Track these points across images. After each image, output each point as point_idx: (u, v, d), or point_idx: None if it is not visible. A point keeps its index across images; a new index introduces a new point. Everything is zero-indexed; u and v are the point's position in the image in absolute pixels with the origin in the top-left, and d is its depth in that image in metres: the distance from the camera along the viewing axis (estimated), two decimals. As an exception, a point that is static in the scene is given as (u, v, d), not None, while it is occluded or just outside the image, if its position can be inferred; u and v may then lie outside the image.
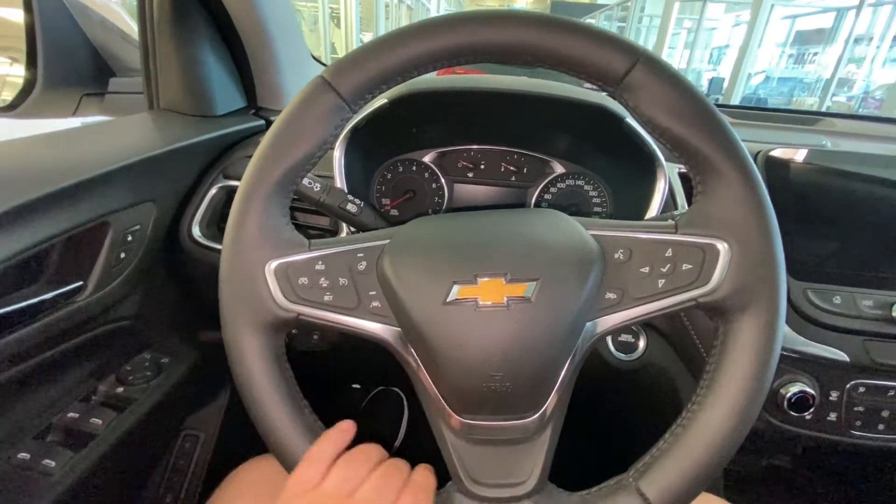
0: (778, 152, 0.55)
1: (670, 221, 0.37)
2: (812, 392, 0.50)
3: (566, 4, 16.00)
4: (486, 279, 0.33)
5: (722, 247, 0.34)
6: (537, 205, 0.69)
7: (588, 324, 0.34)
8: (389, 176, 0.70)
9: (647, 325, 0.58)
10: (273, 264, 0.33)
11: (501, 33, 0.32)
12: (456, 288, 0.32)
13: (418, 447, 0.92)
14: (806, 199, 0.54)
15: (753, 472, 0.75)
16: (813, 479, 0.73)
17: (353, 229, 0.58)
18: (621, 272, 0.35)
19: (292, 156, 0.33)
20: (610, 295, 0.34)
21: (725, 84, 5.93)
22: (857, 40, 6.58)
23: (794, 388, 0.50)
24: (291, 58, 0.73)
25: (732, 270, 0.34)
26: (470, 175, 0.70)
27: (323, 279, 0.34)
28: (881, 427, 0.52)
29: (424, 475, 0.34)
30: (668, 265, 0.35)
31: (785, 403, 0.51)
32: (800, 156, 0.55)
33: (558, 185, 0.69)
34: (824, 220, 0.53)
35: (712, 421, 0.32)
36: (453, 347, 0.32)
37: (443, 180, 0.70)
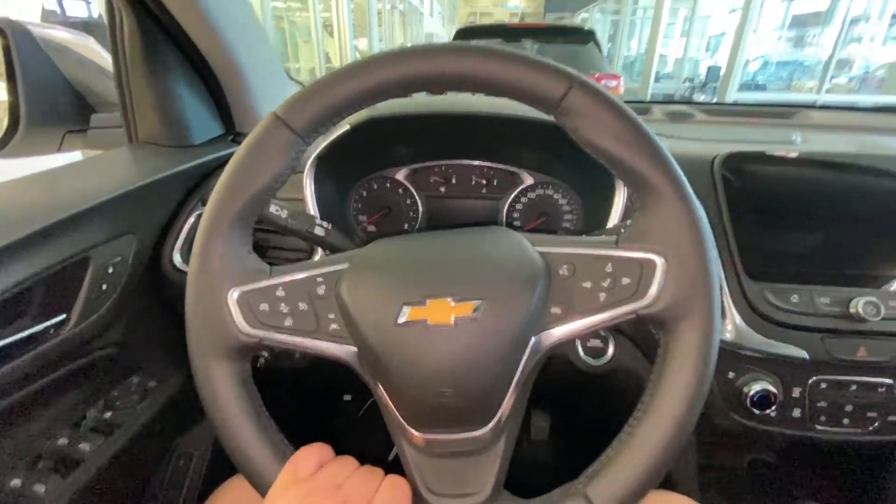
0: (736, 155, 0.56)
1: (613, 237, 0.38)
2: (774, 390, 0.51)
3: (559, 1, 15.98)
4: (434, 300, 0.34)
5: (658, 261, 0.36)
6: (509, 215, 0.71)
7: (533, 338, 0.35)
8: (365, 194, 0.72)
9: (616, 329, 0.60)
10: (235, 292, 0.35)
11: (444, 65, 0.34)
12: (406, 309, 0.34)
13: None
14: (763, 200, 0.55)
15: (738, 468, 0.76)
16: (798, 472, 0.73)
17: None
18: (566, 287, 0.36)
19: (249, 190, 0.35)
20: (555, 309, 0.36)
21: (723, 72, 5.89)
22: (854, 20, 6.51)
23: (756, 387, 0.52)
24: (266, 82, 0.75)
25: (668, 284, 0.35)
26: (442, 190, 0.71)
27: (283, 304, 0.36)
28: (845, 421, 0.53)
29: (397, 479, 0.36)
30: (609, 279, 0.36)
31: (748, 402, 0.52)
32: (757, 157, 0.56)
33: (528, 195, 0.71)
34: (781, 221, 0.54)
35: (654, 428, 0.33)
36: (405, 366, 0.34)
37: (416, 196, 0.71)
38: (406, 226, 0.72)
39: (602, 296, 0.36)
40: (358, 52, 7.78)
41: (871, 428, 0.53)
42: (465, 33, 4.29)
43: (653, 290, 0.36)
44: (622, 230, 0.38)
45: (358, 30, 7.47)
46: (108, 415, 0.56)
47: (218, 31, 0.60)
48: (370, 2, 6.75)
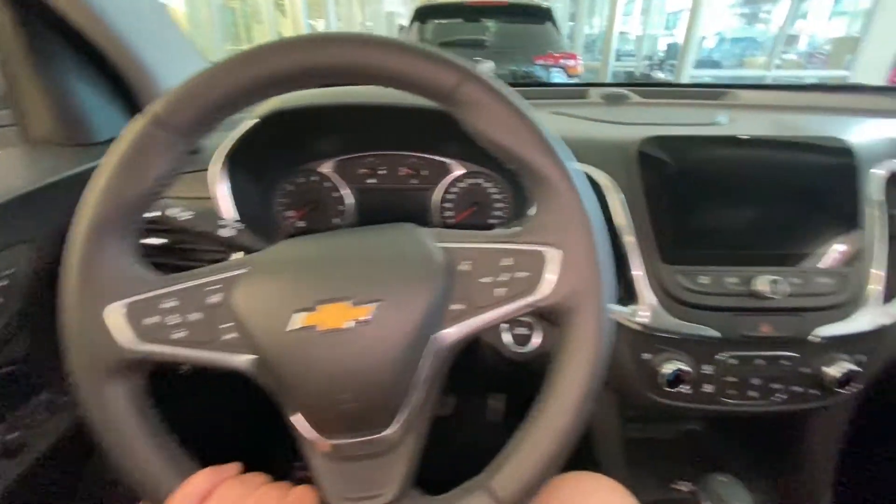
0: (653, 139, 0.56)
1: (516, 230, 0.38)
2: (687, 369, 0.53)
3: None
4: (327, 305, 0.33)
5: (553, 254, 0.36)
6: (440, 205, 0.70)
7: (433, 336, 0.35)
8: (291, 188, 0.69)
9: (540, 316, 0.60)
10: (117, 305, 0.33)
11: (332, 56, 0.33)
12: (297, 316, 0.33)
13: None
14: (676, 184, 0.56)
15: (673, 439, 0.80)
16: (726, 441, 0.77)
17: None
18: (466, 283, 0.36)
19: (125, 195, 0.33)
20: (455, 306, 0.36)
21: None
22: (801, -4, 6.71)
23: (670, 367, 0.53)
24: (175, 66, 0.70)
25: (564, 276, 0.36)
26: (371, 182, 0.70)
27: (173, 315, 0.35)
28: (752, 394, 0.56)
29: (304, 492, 0.35)
30: (507, 274, 0.36)
31: (663, 381, 0.54)
32: (674, 140, 0.57)
33: (459, 185, 0.70)
34: (697, 203, 0.55)
35: (552, 418, 0.34)
36: (299, 374, 0.33)
37: (344, 189, 0.70)
38: (336, 220, 0.71)
39: (500, 290, 0.36)
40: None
41: (774, 399, 0.56)
42: (423, 12, 4.18)
43: (548, 283, 0.36)
44: (525, 223, 0.38)
45: (314, 10, 7.18)
46: (12, 436, 0.53)
47: (103, 15, 0.55)
48: (324, -22, 6.48)
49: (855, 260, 0.54)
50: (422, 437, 0.38)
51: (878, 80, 5.35)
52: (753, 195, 0.56)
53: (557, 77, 3.83)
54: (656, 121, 0.68)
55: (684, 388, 0.55)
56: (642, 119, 0.70)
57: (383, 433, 0.35)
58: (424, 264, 0.35)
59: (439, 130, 0.64)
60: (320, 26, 7.24)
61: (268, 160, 0.63)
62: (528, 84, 1.79)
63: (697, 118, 0.68)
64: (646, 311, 0.54)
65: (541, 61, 3.87)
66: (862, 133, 0.65)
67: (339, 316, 0.33)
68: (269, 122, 0.54)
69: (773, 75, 5.54)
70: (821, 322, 0.53)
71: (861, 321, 0.53)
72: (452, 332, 0.36)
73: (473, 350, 0.62)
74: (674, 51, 6.25)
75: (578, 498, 0.49)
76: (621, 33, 9.53)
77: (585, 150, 0.59)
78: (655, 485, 0.70)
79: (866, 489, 0.88)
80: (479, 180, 0.69)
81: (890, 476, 0.96)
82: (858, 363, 0.55)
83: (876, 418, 0.77)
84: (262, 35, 5.50)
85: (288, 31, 6.10)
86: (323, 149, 0.67)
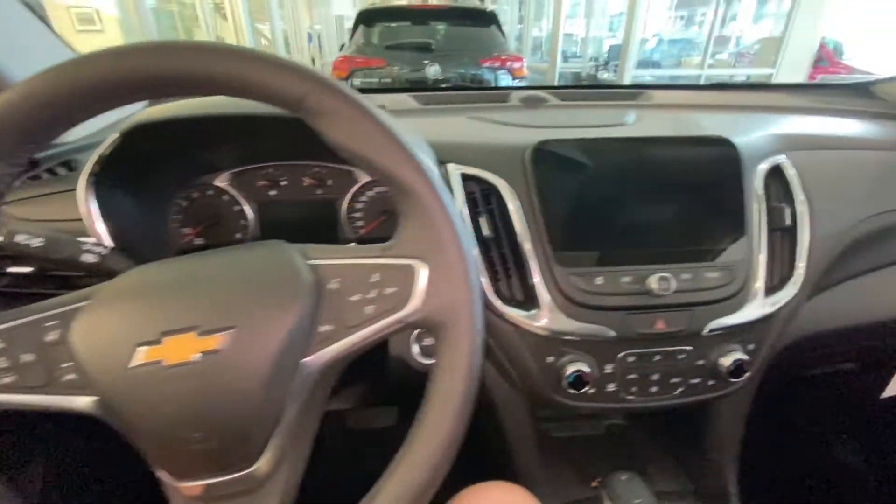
0: (547, 142, 0.57)
1: (388, 243, 0.37)
2: (587, 370, 0.54)
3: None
4: (173, 337, 0.31)
5: (420, 267, 0.35)
6: (349, 215, 0.68)
7: (302, 362, 0.33)
8: (186, 204, 0.65)
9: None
10: None
11: (171, 65, 0.30)
12: (140, 350, 0.30)
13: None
14: (569, 187, 0.56)
15: (598, 435, 0.81)
16: (645, 433, 0.79)
17: None
18: (335, 302, 0.34)
19: None
20: (325, 328, 0.34)
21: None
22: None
23: (571, 369, 0.54)
24: (26, 61, 0.64)
25: (431, 290, 0.35)
26: (273, 193, 0.67)
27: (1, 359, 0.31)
28: (653, 390, 0.57)
29: None
30: (375, 290, 0.35)
31: (564, 383, 0.54)
32: (563, 144, 0.57)
33: (367, 193, 0.68)
34: (587, 206, 0.56)
35: (425, 440, 0.33)
36: (145, 414, 0.31)
37: (244, 203, 0.66)
38: (238, 235, 0.67)
39: (370, 308, 0.35)
40: (263, 37, 7.27)
41: (676, 393, 0.58)
42: (366, 15, 4.14)
43: (416, 298, 0.35)
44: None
45: (258, 13, 6.96)
46: None
47: None
48: (267, -18, 6.30)
49: (741, 253, 0.56)
50: (299, 466, 0.36)
51: (800, 77, 5.80)
52: (647, 194, 0.57)
53: (504, 79, 3.89)
54: (566, 123, 0.69)
55: (589, 389, 0.55)
56: (552, 122, 0.70)
57: (251, 469, 0.33)
58: (288, 285, 0.33)
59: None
60: (265, 30, 7.03)
61: (150, 175, 0.59)
62: (462, 88, 1.80)
63: (607, 119, 0.69)
64: (545, 314, 0.54)
65: (487, 63, 3.93)
66: (751, 129, 0.69)
67: (185, 348, 0.31)
68: (136, 136, 0.50)
69: (706, 74, 5.88)
70: (711, 315, 0.55)
71: (748, 312, 0.56)
72: (323, 356, 0.34)
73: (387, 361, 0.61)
74: (615, 52, 6.50)
75: None
76: (568, 35, 9.84)
77: (484, 155, 0.59)
78: (578, 482, 0.71)
79: (768, 467, 0.94)
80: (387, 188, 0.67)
81: (786, 455, 1.02)
82: (748, 352, 0.57)
83: (773, 401, 0.81)
84: (205, 39, 5.26)
85: (230, 36, 5.88)
86: (216, 161, 0.64)
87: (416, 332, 0.59)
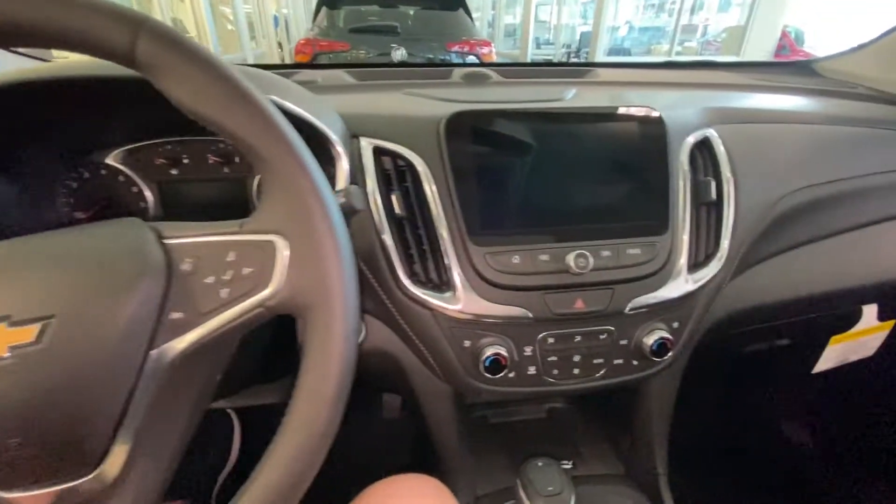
0: (462, 114, 0.53)
1: (248, 219, 0.33)
2: (504, 353, 0.51)
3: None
4: None
5: (281, 243, 0.31)
6: (258, 196, 0.63)
7: (152, 352, 0.29)
8: (75, 186, 0.59)
9: (363, 309, 0.56)
10: None
11: None
12: None
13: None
14: (488, 162, 0.53)
15: (539, 419, 0.80)
16: (584, 415, 0.78)
17: None
18: (188, 285, 0.30)
19: None
20: (176, 315, 0.30)
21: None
22: (695, -12, 7.24)
23: (488, 352, 0.51)
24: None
25: (292, 269, 0.31)
26: (174, 173, 0.61)
27: None
28: (576, 371, 0.55)
29: None
30: (231, 271, 0.31)
31: (481, 367, 0.51)
32: (478, 116, 0.53)
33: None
34: (504, 182, 0.53)
35: (292, 437, 0.29)
36: None
37: (141, 184, 0.60)
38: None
39: (224, 291, 0.31)
40: (227, 20, 6.97)
41: (599, 374, 0.56)
42: (330, -4, 4.00)
43: (277, 278, 0.31)
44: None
45: (219, -7, 6.65)
46: None
47: None
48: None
49: (664, 229, 0.54)
50: (160, 466, 0.32)
51: (762, 65, 5.92)
52: (569, 169, 0.54)
53: (472, 64, 3.83)
54: (502, 98, 0.65)
55: (508, 373, 0.53)
56: (489, 97, 0.67)
57: (92, 474, 0.29)
58: (128, 267, 0.29)
59: None
60: (230, 13, 6.73)
61: (23, 152, 0.52)
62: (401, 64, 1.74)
63: (545, 94, 0.66)
64: (460, 297, 0.50)
65: (455, 48, 3.86)
66: (683, 104, 0.67)
67: None
68: None
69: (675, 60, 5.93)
70: (633, 293, 0.53)
71: (671, 289, 0.54)
72: (175, 346, 0.30)
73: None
74: (586, 39, 6.51)
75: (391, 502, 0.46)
76: (542, 23, 9.81)
77: (399, 128, 0.55)
78: (512, 469, 0.69)
79: (702, 446, 0.95)
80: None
81: (720, 433, 1.04)
82: (672, 331, 0.55)
83: (707, 378, 0.81)
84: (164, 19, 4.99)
85: (188, 19, 5.59)
86: (105, 136, 0.57)
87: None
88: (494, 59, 4.01)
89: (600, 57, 5.71)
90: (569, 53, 7.85)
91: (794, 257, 0.65)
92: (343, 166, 0.50)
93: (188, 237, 0.32)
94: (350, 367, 0.31)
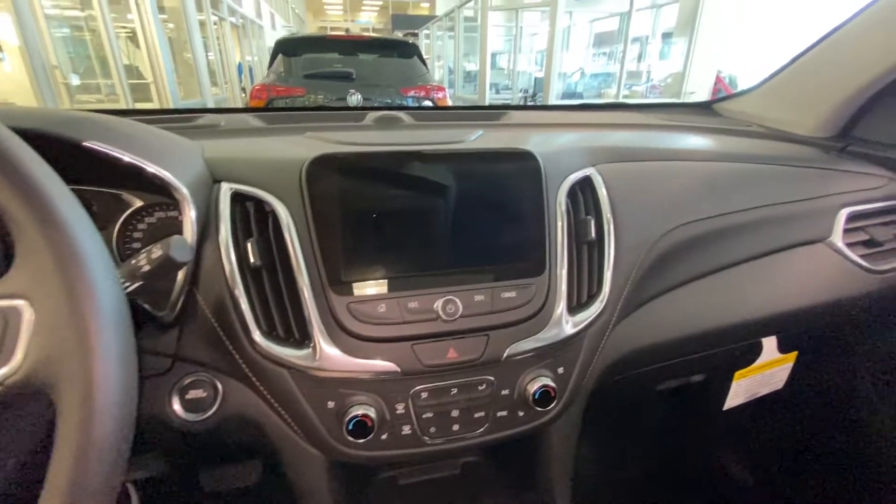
0: (326, 157, 0.51)
1: None
2: (372, 414, 0.47)
3: (406, 17, 16.66)
4: None
5: (25, 310, 0.27)
6: (123, 247, 0.58)
7: None
8: None
9: (219, 370, 0.50)
10: None
11: None
12: None
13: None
14: (354, 206, 0.50)
15: (453, 476, 0.74)
16: (496, 469, 0.73)
17: None
18: None
19: None
20: None
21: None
22: (635, 39, 7.86)
23: (353, 412, 0.46)
24: None
25: (35, 338, 0.26)
26: None
27: None
28: (455, 428, 0.51)
29: None
30: None
31: (344, 430, 0.46)
32: (345, 160, 0.51)
33: (146, 220, 0.58)
34: (369, 228, 0.50)
35: None
36: None
37: None
38: None
39: None
40: (192, 66, 6.98)
41: (481, 430, 0.52)
42: (286, 44, 4.08)
43: (19, 349, 0.26)
44: None
45: (180, 43, 6.70)
46: None
47: None
48: (187, 13, 6.11)
49: (542, 271, 0.52)
50: None
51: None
52: (441, 212, 0.52)
53: (427, 108, 3.94)
54: (404, 141, 0.63)
55: (381, 435, 0.48)
56: (391, 140, 0.65)
57: None
58: None
59: (85, 153, 0.52)
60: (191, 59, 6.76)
61: None
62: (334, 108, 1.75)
63: (450, 137, 0.65)
64: (320, 352, 0.46)
65: (411, 93, 3.96)
66: (567, 143, 0.67)
67: None
68: None
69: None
70: (510, 339, 0.50)
71: (550, 333, 0.51)
72: None
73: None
74: (540, 84, 6.87)
75: None
76: (500, 70, 10.34)
77: (263, 171, 0.52)
78: None
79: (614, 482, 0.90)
80: (171, 212, 0.58)
81: (634, 474, 1.00)
82: (557, 377, 0.52)
83: (619, 419, 0.78)
84: (116, 66, 4.94)
85: (144, 66, 5.58)
86: None
87: (178, 382, 0.49)
88: (449, 102, 4.15)
89: (553, 100, 6.01)
90: (525, 98, 8.25)
91: (686, 293, 0.65)
92: (189, 213, 0.47)
93: None
94: (106, 459, 0.26)
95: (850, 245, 0.72)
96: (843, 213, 0.72)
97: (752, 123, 0.96)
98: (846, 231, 0.72)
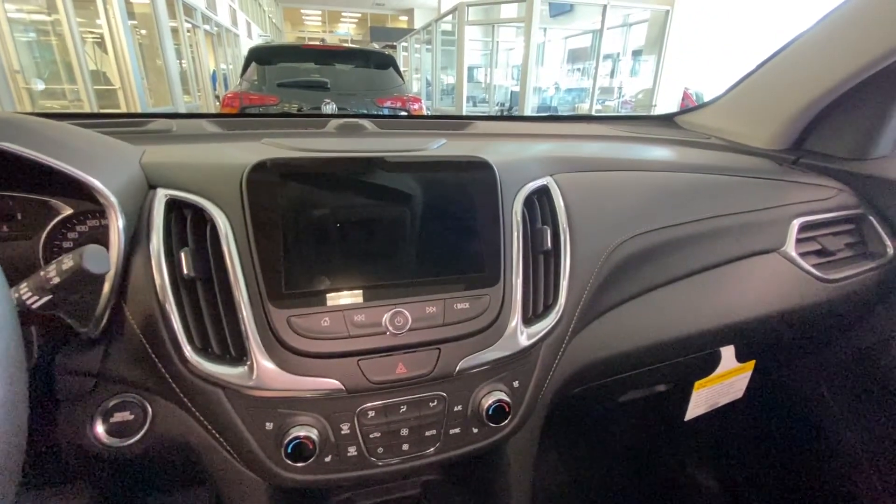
0: (267, 163, 0.48)
1: None
2: (313, 435, 0.44)
3: (384, 30, 16.79)
4: None
5: None
6: (51, 258, 0.54)
7: None
8: None
9: (148, 390, 0.47)
10: None
11: None
12: None
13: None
14: (297, 214, 0.47)
15: (413, 496, 0.71)
16: (457, 487, 0.70)
17: None
18: None
19: None
20: None
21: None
22: (607, 56, 8.12)
23: (295, 433, 0.43)
24: None
25: None
26: None
27: None
28: (405, 447, 0.48)
29: None
30: None
31: (283, 453, 0.43)
32: (289, 165, 0.49)
33: (77, 229, 0.54)
34: (314, 237, 0.47)
35: None
36: None
37: None
38: None
39: None
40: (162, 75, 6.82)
41: (433, 449, 0.49)
42: (259, 52, 4.03)
43: None
44: None
45: (149, 51, 6.55)
46: None
47: None
48: (159, 19, 5.98)
49: (495, 282, 0.51)
50: None
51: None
52: (393, 222, 0.50)
53: (402, 119, 3.93)
54: (364, 148, 0.61)
55: (324, 457, 0.45)
56: (351, 147, 0.63)
57: None
58: None
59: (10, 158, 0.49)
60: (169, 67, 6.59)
61: None
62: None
63: (412, 145, 0.63)
64: (257, 370, 0.43)
65: (388, 103, 3.96)
66: (524, 153, 0.66)
67: None
68: None
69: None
70: (463, 353, 0.48)
71: (504, 345, 0.50)
72: None
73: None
74: (516, 98, 6.98)
75: None
76: (478, 83, 10.48)
77: (202, 177, 0.49)
78: None
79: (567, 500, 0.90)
80: (103, 220, 0.55)
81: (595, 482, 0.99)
82: (513, 391, 0.51)
83: (575, 430, 0.76)
84: (81, 71, 4.78)
85: (112, 71, 5.42)
86: None
87: (102, 404, 0.46)
88: (425, 113, 4.17)
89: (528, 113, 6.12)
90: (502, 111, 8.36)
91: (644, 303, 0.64)
92: (116, 220, 0.43)
93: None
94: None
95: (803, 255, 0.73)
96: (796, 223, 0.74)
97: (712, 136, 0.99)
98: (799, 241, 0.73)
